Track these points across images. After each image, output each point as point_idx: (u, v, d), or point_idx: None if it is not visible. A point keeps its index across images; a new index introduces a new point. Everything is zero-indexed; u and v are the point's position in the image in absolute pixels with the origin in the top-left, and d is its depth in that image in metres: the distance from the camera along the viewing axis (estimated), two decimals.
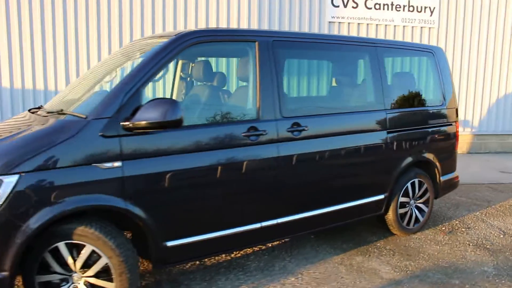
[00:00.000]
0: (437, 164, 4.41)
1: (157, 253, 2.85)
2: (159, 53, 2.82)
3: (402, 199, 4.17)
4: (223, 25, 7.81)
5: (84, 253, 2.56)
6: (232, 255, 3.76)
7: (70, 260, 2.57)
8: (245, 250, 3.87)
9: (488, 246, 4.09)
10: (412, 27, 8.55)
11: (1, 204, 2.31)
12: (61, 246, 2.54)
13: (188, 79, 4.04)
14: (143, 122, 2.58)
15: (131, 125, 2.59)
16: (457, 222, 4.76)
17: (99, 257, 2.58)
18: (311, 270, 3.51)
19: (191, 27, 7.70)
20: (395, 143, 3.97)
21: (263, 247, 3.95)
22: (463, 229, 4.54)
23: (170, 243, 2.87)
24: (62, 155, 2.47)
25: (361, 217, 3.98)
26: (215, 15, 7.69)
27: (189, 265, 3.56)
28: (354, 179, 3.76)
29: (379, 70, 3.90)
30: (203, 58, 3.76)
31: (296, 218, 3.42)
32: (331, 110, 3.60)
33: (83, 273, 2.61)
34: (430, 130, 4.32)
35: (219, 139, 2.97)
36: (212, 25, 7.79)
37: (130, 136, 2.64)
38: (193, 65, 3.97)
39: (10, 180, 2.33)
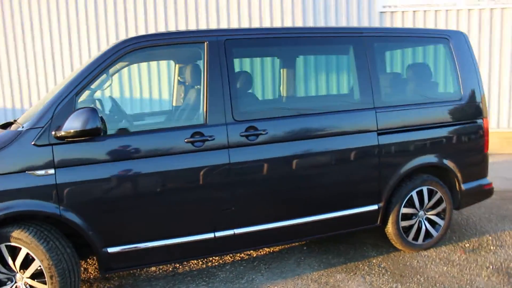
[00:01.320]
0: (455, 169, 3.75)
1: (99, 259, 2.90)
2: (96, 61, 2.86)
3: (405, 210, 3.64)
4: (265, 21, 7.64)
5: (20, 256, 2.72)
6: (209, 264, 3.67)
7: (10, 261, 2.74)
8: (224, 258, 3.74)
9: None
10: (480, 10, 7.45)
11: None
12: (2, 247, 2.72)
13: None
14: (69, 131, 2.64)
15: (59, 134, 2.67)
16: (490, 237, 4.00)
17: (34, 259, 2.71)
18: (277, 286, 3.24)
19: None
20: (388, 147, 3.48)
21: (246, 257, 3.78)
22: (492, 247, 3.79)
23: (111, 249, 2.89)
24: (13, 161, 2.65)
25: (350, 230, 3.58)
26: (257, 11, 7.59)
27: (160, 270, 3.56)
28: (332, 188, 3.38)
29: (367, 63, 3.45)
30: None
31: (257, 229, 3.20)
32: (299, 111, 3.27)
33: (23, 274, 2.77)
34: (441, 129, 3.69)
35: (158, 146, 2.91)
36: (255, 22, 7.68)
37: (62, 144, 2.73)
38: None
39: None
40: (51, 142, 2.71)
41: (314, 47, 3.51)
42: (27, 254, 2.70)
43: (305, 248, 3.92)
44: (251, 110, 3.24)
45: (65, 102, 2.76)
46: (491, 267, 3.43)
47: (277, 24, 7.68)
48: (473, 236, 4.06)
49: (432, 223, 3.78)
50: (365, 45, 3.47)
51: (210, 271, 3.53)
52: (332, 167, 3.34)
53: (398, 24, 7.70)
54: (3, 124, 3.27)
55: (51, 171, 2.72)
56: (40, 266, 2.71)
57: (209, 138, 2.98)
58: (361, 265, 3.55)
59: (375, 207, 3.53)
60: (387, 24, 7.69)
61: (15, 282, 2.79)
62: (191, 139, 2.95)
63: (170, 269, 3.59)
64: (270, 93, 3.55)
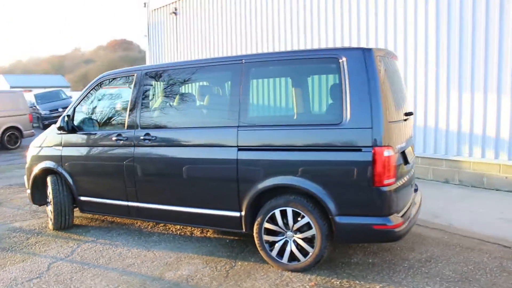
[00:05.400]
0: (325, 197, 3.56)
1: (77, 202, 5.01)
2: (85, 89, 4.98)
3: (268, 226, 3.84)
4: (398, 30, 7.50)
5: (49, 191, 5.16)
6: (164, 231, 5.06)
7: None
8: (186, 232, 5.03)
9: None
10: None
11: None
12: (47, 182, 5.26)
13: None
14: (57, 126, 4.88)
15: (58, 127, 4.95)
16: (371, 285, 3.44)
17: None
18: (151, 251, 4.36)
19: None
20: (246, 162, 3.85)
21: (182, 232, 4.92)
22: None
23: (82, 198, 4.96)
24: (48, 141, 5.20)
25: (220, 228, 4.22)
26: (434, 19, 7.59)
27: (137, 225, 5.26)
28: (198, 188, 4.12)
29: (239, 88, 3.93)
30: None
31: (150, 206, 4.46)
32: (180, 125, 4.24)
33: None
34: (310, 153, 3.61)
35: (101, 140, 4.72)
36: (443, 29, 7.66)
37: (63, 134, 5.00)
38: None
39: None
40: (61, 133, 5.02)
41: (202, 75, 4.27)
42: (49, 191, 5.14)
43: (227, 241, 4.64)
44: (150, 122, 4.46)
45: (70, 111, 5.01)
46: None
47: (414, 30, 7.38)
48: (359, 278, 3.58)
49: (302, 246, 3.73)
50: (242, 71, 3.96)
51: (153, 233, 4.94)
52: (199, 171, 4.10)
53: None
54: None
55: (60, 147, 5.04)
56: (51, 197, 5.08)
57: (124, 139, 4.52)
58: (220, 262, 4.06)
59: (236, 214, 3.97)
60: None
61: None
62: (115, 138, 4.58)
63: (143, 226, 5.24)
64: (166, 111, 4.54)
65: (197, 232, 4.93)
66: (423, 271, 3.76)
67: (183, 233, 4.92)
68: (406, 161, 3.92)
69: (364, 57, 3.53)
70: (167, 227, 5.15)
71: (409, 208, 3.98)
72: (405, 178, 3.85)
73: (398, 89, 4.22)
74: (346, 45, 8.41)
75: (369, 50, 3.56)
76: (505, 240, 4.48)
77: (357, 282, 3.57)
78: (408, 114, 4.15)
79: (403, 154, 3.88)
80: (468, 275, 3.67)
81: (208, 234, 4.85)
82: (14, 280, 3.79)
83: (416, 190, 4.72)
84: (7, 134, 12.97)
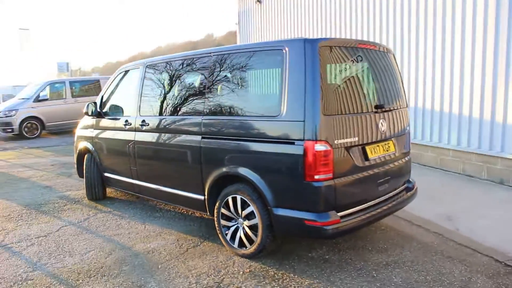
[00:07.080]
0: (263, 188, 3.61)
1: (102, 178, 5.84)
2: (110, 79, 5.70)
3: (224, 211, 4.04)
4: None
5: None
6: (170, 209, 5.61)
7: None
8: (180, 211, 5.54)
9: None
10: None
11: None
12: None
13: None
14: (84, 112, 5.73)
15: (86, 112, 5.80)
16: (313, 280, 3.41)
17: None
18: (147, 224, 4.90)
19: None
20: (207, 149, 4.08)
21: (178, 210, 5.38)
22: (278, 283, 3.40)
23: (105, 174, 5.76)
24: (88, 123, 6.12)
25: (190, 208, 4.57)
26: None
27: (152, 202, 5.90)
28: (175, 170, 4.53)
29: (205, 79, 4.17)
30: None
31: (145, 185, 5.01)
32: (164, 112, 4.62)
33: None
34: (253, 144, 3.68)
35: (115, 124, 5.41)
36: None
37: (94, 118, 5.83)
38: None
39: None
40: (94, 117, 5.87)
41: (184, 68, 4.50)
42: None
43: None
44: (146, 109, 4.93)
45: (98, 98, 5.81)
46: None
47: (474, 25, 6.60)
48: (297, 272, 3.57)
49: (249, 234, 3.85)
50: (210, 64, 4.17)
51: (161, 210, 5.50)
52: (178, 156, 4.46)
53: None
54: None
55: (93, 130, 5.90)
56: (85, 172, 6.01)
57: (129, 124, 5.13)
58: (190, 240, 4.39)
59: (201, 197, 4.25)
60: None
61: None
62: (123, 123, 5.22)
63: (158, 203, 5.84)
64: (156, 100, 4.82)
65: (197, 212, 5.33)
66: (371, 274, 3.56)
67: (185, 212, 5.37)
68: (366, 157, 3.71)
69: (304, 49, 3.43)
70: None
71: (370, 206, 3.77)
72: (360, 175, 3.64)
73: (376, 81, 3.97)
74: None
75: (311, 41, 3.44)
76: (504, 254, 3.89)
77: (291, 275, 3.56)
78: (379, 107, 3.87)
79: (363, 149, 3.69)
80: (417, 285, 3.36)
81: (205, 215, 5.20)
82: (28, 235, 4.70)
83: (409, 189, 4.37)
84: None
